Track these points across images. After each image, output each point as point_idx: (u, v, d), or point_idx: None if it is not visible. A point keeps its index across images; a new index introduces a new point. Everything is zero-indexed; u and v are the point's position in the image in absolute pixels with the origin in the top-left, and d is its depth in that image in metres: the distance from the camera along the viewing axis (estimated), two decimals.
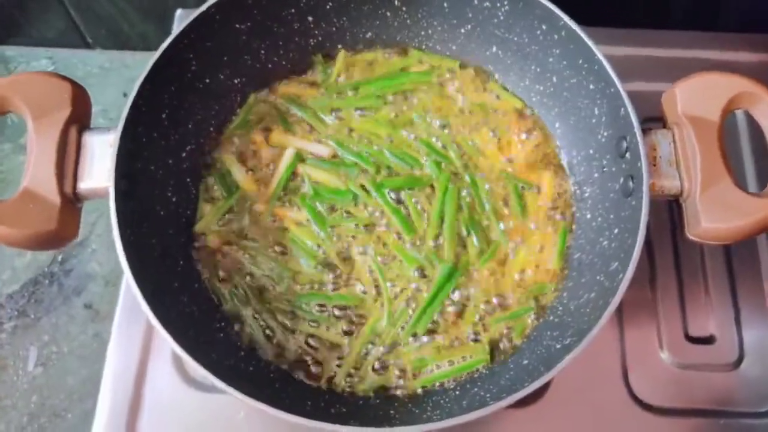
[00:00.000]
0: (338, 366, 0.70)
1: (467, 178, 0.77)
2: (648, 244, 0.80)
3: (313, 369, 0.70)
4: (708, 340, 0.77)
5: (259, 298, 0.72)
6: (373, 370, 0.70)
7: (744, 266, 0.80)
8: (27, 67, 1.13)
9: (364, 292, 0.73)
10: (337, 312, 0.72)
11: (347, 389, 0.69)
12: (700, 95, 0.65)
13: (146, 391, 0.74)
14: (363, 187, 0.76)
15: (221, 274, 0.73)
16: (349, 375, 0.70)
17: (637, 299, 0.78)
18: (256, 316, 0.71)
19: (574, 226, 0.75)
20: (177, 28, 0.72)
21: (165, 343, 0.75)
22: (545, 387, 0.74)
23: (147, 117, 0.67)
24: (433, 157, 0.77)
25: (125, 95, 1.11)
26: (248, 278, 0.73)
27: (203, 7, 0.69)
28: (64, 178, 0.63)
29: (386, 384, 0.69)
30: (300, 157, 0.77)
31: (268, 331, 0.71)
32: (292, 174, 0.77)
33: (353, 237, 0.74)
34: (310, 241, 0.74)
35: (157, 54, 0.67)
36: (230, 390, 0.57)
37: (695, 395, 0.74)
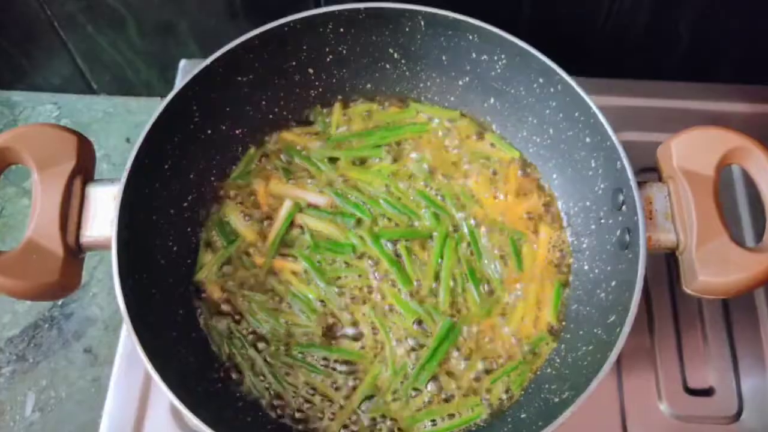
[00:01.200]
0: (331, 419, 0.70)
1: (465, 230, 0.77)
2: (646, 294, 0.81)
3: (311, 423, 0.70)
4: (707, 392, 0.77)
5: (257, 350, 0.72)
6: (372, 422, 0.70)
7: (742, 318, 0.80)
8: (32, 112, 1.14)
9: (363, 347, 0.73)
10: (337, 366, 0.72)
11: None
12: (694, 150, 0.66)
13: None
14: (361, 237, 0.76)
15: (220, 324, 0.73)
16: (345, 426, 0.69)
17: (635, 350, 0.78)
18: (255, 367, 0.71)
19: (571, 278, 0.76)
20: (180, 80, 0.74)
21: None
22: None
23: (150, 168, 0.69)
24: (431, 208, 0.78)
25: (128, 141, 1.13)
26: (247, 329, 0.73)
27: (207, 61, 0.70)
28: (67, 229, 0.64)
29: None
30: (299, 207, 0.78)
31: (266, 384, 0.71)
32: (292, 223, 0.78)
33: (353, 289, 0.75)
34: (310, 294, 0.74)
35: (160, 107, 0.68)
36: None
37: None
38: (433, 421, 0.70)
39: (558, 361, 0.71)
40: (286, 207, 0.78)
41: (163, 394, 0.75)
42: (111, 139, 1.11)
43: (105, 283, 1.03)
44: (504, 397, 0.71)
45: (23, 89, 1.15)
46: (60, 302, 1.01)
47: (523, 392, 0.71)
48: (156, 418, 0.76)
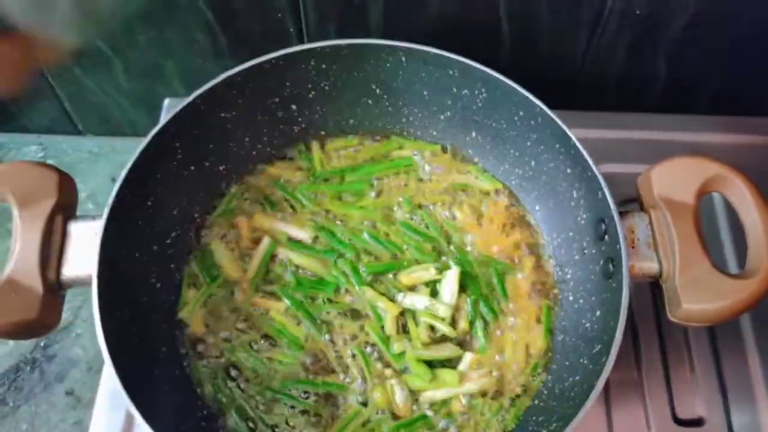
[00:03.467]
0: None
1: (450, 261, 0.77)
2: (632, 324, 0.80)
3: None
4: (697, 423, 0.76)
5: (239, 387, 0.71)
6: None
7: (728, 347, 0.79)
8: (17, 153, 1.14)
9: (348, 381, 0.72)
10: (319, 398, 0.71)
11: None
12: (674, 179, 0.67)
13: None
14: (344, 274, 0.76)
15: (203, 362, 0.72)
16: None
17: (623, 381, 0.77)
18: (237, 406, 0.70)
19: (557, 308, 0.75)
20: (164, 117, 0.74)
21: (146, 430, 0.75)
22: None
23: (132, 204, 0.68)
24: (416, 238, 0.78)
25: (113, 180, 1.12)
26: (228, 366, 0.72)
27: (189, 98, 0.71)
28: (47, 266, 0.63)
29: None
30: (281, 242, 0.78)
31: (250, 423, 0.70)
32: (275, 259, 0.77)
33: (338, 326, 0.74)
34: (294, 331, 0.74)
35: (143, 143, 0.68)
36: None
37: None
38: None
39: (545, 393, 0.70)
40: (265, 244, 0.77)
41: None
42: (97, 179, 1.11)
43: (89, 324, 1.01)
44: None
45: (8, 131, 1.15)
46: (42, 343, 1.00)
47: (514, 426, 0.70)
48: None
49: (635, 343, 0.79)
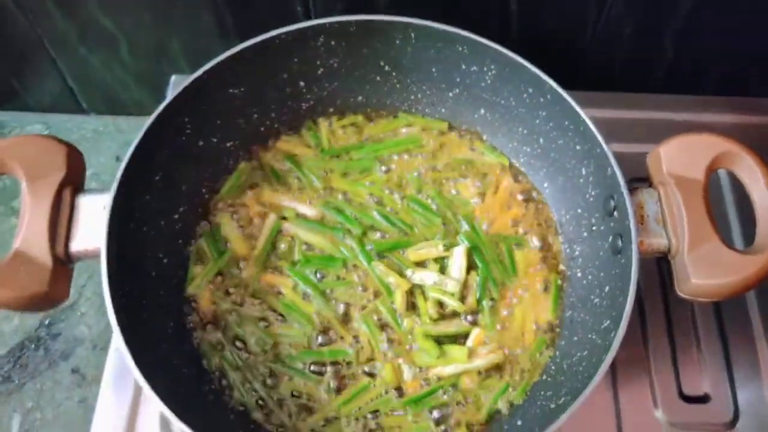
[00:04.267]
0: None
1: (460, 238, 0.77)
2: (639, 303, 0.81)
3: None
4: (702, 399, 0.77)
5: (245, 361, 0.72)
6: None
7: (735, 325, 0.80)
8: (21, 132, 1.13)
9: (357, 353, 0.72)
10: (326, 368, 0.71)
11: None
12: (684, 155, 0.67)
13: None
14: (352, 249, 0.76)
15: (210, 336, 0.73)
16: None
17: (630, 358, 0.78)
18: (244, 379, 0.70)
19: (565, 285, 0.76)
20: (172, 93, 0.74)
21: (152, 407, 0.75)
22: None
23: (140, 179, 0.68)
24: (424, 214, 0.78)
25: (118, 159, 1.12)
26: (235, 341, 0.73)
27: (197, 73, 0.71)
28: (56, 239, 0.63)
29: None
30: (290, 217, 0.78)
31: (255, 394, 0.70)
32: (283, 235, 0.77)
33: (345, 302, 0.74)
34: (304, 308, 0.74)
35: (152, 118, 0.68)
36: None
37: None
38: None
39: (553, 368, 0.70)
40: (270, 220, 0.77)
41: (152, 413, 0.75)
42: (101, 158, 1.11)
43: (93, 302, 1.01)
44: (505, 406, 0.70)
45: (12, 109, 1.15)
46: (47, 322, 1.00)
47: (521, 401, 0.70)
48: None
49: (642, 321, 0.80)
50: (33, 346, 0.99)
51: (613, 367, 0.77)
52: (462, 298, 0.74)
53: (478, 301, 0.74)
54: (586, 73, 0.96)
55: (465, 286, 0.75)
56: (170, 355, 0.68)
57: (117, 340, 0.59)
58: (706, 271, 0.62)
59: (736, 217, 0.86)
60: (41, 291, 0.61)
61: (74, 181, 0.66)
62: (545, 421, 0.59)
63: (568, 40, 0.93)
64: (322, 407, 0.70)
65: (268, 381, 0.71)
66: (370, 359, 0.72)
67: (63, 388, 0.96)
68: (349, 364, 0.72)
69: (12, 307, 0.61)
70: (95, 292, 1.02)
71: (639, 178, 0.70)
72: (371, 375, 0.71)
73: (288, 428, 0.69)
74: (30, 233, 0.62)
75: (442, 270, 0.75)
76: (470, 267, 0.76)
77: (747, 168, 0.65)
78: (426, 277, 0.74)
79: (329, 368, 0.71)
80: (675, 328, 0.80)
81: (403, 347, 0.72)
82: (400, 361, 0.72)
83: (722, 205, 0.87)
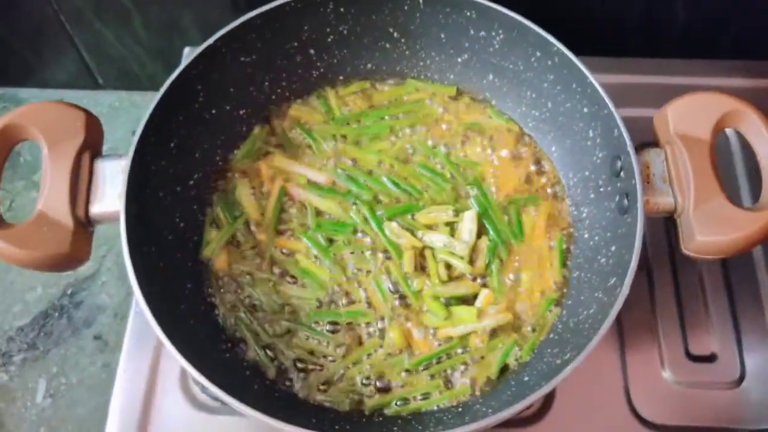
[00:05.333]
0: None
1: (471, 202, 0.78)
2: (647, 264, 0.81)
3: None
4: (709, 359, 0.77)
5: (259, 321, 0.74)
6: (377, 390, 0.71)
7: (742, 285, 0.80)
8: None
9: (372, 309, 0.74)
10: (339, 332, 0.73)
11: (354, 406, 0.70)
12: (690, 115, 0.67)
13: (154, 415, 0.75)
14: (363, 216, 0.77)
15: (226, 297, 0.75)
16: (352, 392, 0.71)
17: (637, 319, 0.79)
18: (258, 338, 0.73)
19: (572, 246, 0.77)
20: (185, 62, 0.75)
21: (172, 367, 0.78)
22: (548, 407, 0.74)
23: (156, 145, 0.70)
24: (434, 179, 0.79)
25: (134, 134, 1.14)
26: (250, 302, 0.75)
27: (210, 41, 0.72)
28: (76, 202, 0.65)
29: (383, 404, 0.70)
30: (300, 184, 0.80)
31: (269, 352, 0.72)
32: (297, 202, 0.79)
33: (356, 265, 0.76)
34: (317, 271, 0.75)
35: (166, 85, 0.70)
36: (241, 406, 0.58)
37: (697, 413, 0.74)
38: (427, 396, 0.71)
39: (560, 326, 0.71)
40: (277, 186, 0.79)
41: (172, 373, 0.78)
42: (117, 133, 1.13)
43: (113, 272, 1.04)
44: (514, 362, 0.71)
45: (29, 86, 1.17)
46: (69, 291, 1.03)
47: (529, 358, 0.71)
48: (165, 395, 0.77)
49: (650, 282, 0.81)
50: (56, 314, 1.02)
51: (620, 327, 0.78)
52: (471, 262, 0.75)
53: (487, 266, 0.75)
54: (597, 38, 0.96)
55: (474, 250, 0.76)
56: (188, 314, 0.70)
57: (137, 297, 0.61)
58: (711, 229, 0.63)
59: (745, 177, 0.86)
60: (63, 251, 0.63)
61: (93, 146, 0.68)
62: (552, 375, 0.60)
63: (578, 4, 0.93)
64: (332, 365, 0.72)
65: (280, 342, 0.73)
66: (381, 319, 0.73)
67: (86, 354, 0.99)
68: (361, 325, 0.73)
69: (36, 266, 0.64)
70: (115, 263, 1.05)
71: (648, 143, 0.71)
72: (383, 337, 0.73)
73: (300, 386, 0.71)
74: (51, 196, 0.64)
75: (452, 234, 0.77)
76: (480, 231, 0.77)
77: (753, 127, 0.66)
78: (436, 239, 0.75)
79: (343, 329, 0.73)
80: (682, 289, 0.80)
81: (412, 309, 0.74)
82: (409, 324, 0.73)
83: (732, 166, 0.87)
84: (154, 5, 0.99)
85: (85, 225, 0.66)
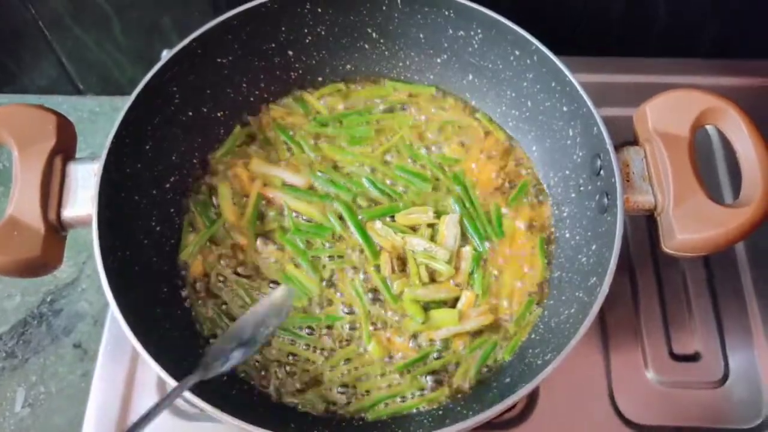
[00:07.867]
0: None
1: (451, 203, 0.78)
2: (629, 264, 0.81)
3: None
4: (692, 358, 0.77)
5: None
6: (357, 394, 0.70)
7: (725, 284, 0.80)
8: None
9: (351, 312, 0.73)
10: (324, 331, 0.73)
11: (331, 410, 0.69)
12: (669, 112, 0.67)
13: (131, 422, 0.74)
14: (341, 218, 0.77)
15: (203, 301, 0.73)
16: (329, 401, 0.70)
17: (620, 319, 0.78)
18: None
19: (553, 246, 0.76)
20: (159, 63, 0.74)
21: (149, 374, 0.76)
22: (532, 408, 0.74)
23: (130, 148, 0.69)
24: (414, 180, 0.78)
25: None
26: (227, 306, 0.73)
27: (185, 41, 0.71)
28: (48, 206, 0.64)
29: (363, 408, 0.69)
30: (278, 187, 0.79)
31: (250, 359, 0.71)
32: (275, 205, 0.78)
33: (334, 269, 0.75)
34: (297, 275, 0.74)
35: (138, 87, 0.69)
36: (216, 412, 0.57)
37: (681, 413, 0.74)
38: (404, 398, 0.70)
39: (541, 327, 0.71)
40: (256, 188, 0.78)
41: (149, 380, 0.76)
42: (97, 138, 1.12)
43: (94, 279, 1.03)
44: (494, 363, 0.71)
45: (8, 92, 1.16)
46: (48, 298, 1.01)
47: (510, 358, 0.71)
48: (142, 402, 0.76)
49: (632, 282, 0.80)
50: (35, 322, 1.00)
51: (603, 327, 0.78)
52: (455, 267, 0.74)
53: (470, 274, 0.75)
54: (580, 38, 0.96)
55: (458, 256, 0.75)
56: (164, 318, 0.69)
57: (110, 302, 0.60)
58: (691, 226, 0.63)
59: (726, 175, 0.86)
60: (34, 256, 0.62)
61: (65, 150, 0.67)
62: (533, 375, 0.59)
63: (561, 4, 0.93)
64: (311, 370, 0.71)
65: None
66: (359, 324, 0.72)
67: (65, 362, 0.97)
68: (339, 329, 0.72)
69: (7, 271, 0.62)
70: (95, 270, 1.03)
71: (628, 142, 0.70)
72: (361, 340, 0.72)
73: (277, 388, 0.70)
74: (22, 199, 0.63)
75: (433, 236, 0.76)
76: (462, 233, 0.76)
77: (731, 123, 0.66)
78: (416, 242, 0.74)
79: (323, 331, 0.72)
80: (665, 288, 0.80)
81: (392, 313, 0.73)
82: (389, 335, 0.72)
83: (713, 164, 0.87)
84: (133, 10, 0.98)
85: (57, 229, 0.65)
